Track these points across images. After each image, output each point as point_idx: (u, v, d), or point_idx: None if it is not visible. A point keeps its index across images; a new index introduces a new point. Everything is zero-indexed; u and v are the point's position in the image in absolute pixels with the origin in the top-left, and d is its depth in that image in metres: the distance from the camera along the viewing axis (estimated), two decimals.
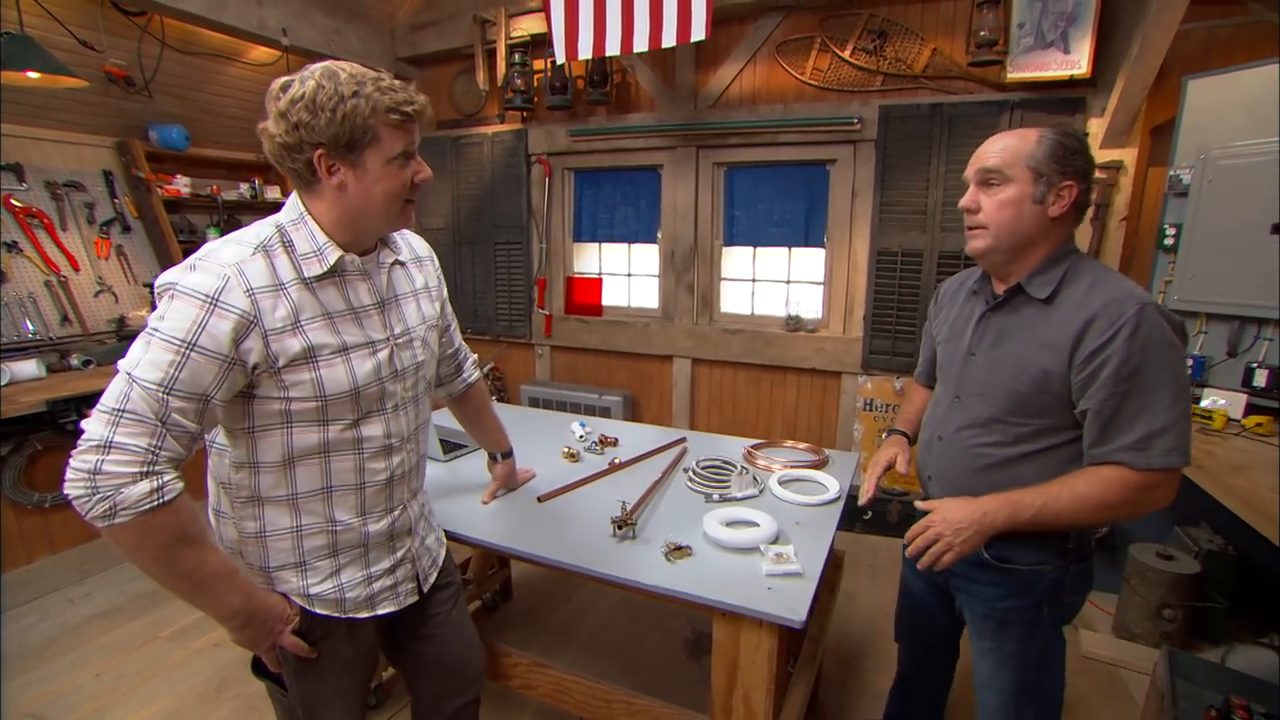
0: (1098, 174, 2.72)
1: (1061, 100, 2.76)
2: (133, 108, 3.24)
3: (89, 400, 2.59)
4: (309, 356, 0.98)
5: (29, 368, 2.71)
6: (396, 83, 1.00)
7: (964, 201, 1.19)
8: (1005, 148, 1.14)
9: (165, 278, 0.92)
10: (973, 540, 1.12)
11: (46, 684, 2.12)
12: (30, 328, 2.88)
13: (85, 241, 3.11)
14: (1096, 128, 2.73)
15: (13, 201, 2.86)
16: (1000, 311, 1.21)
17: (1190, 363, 1.13)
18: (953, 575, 1.29)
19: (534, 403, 4.01)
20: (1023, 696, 1.27)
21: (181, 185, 3.41)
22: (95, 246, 3.14)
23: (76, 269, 3.05)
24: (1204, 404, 2.24)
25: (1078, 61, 2.60)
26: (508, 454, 1.65)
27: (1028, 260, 1.16)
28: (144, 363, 0.87)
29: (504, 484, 1.66)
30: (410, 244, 1.25)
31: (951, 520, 1.13)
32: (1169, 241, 2.41)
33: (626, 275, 4.01)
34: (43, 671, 2.18)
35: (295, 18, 3.38)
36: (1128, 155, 2.71)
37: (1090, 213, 2.78)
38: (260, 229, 1.01)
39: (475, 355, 1.57)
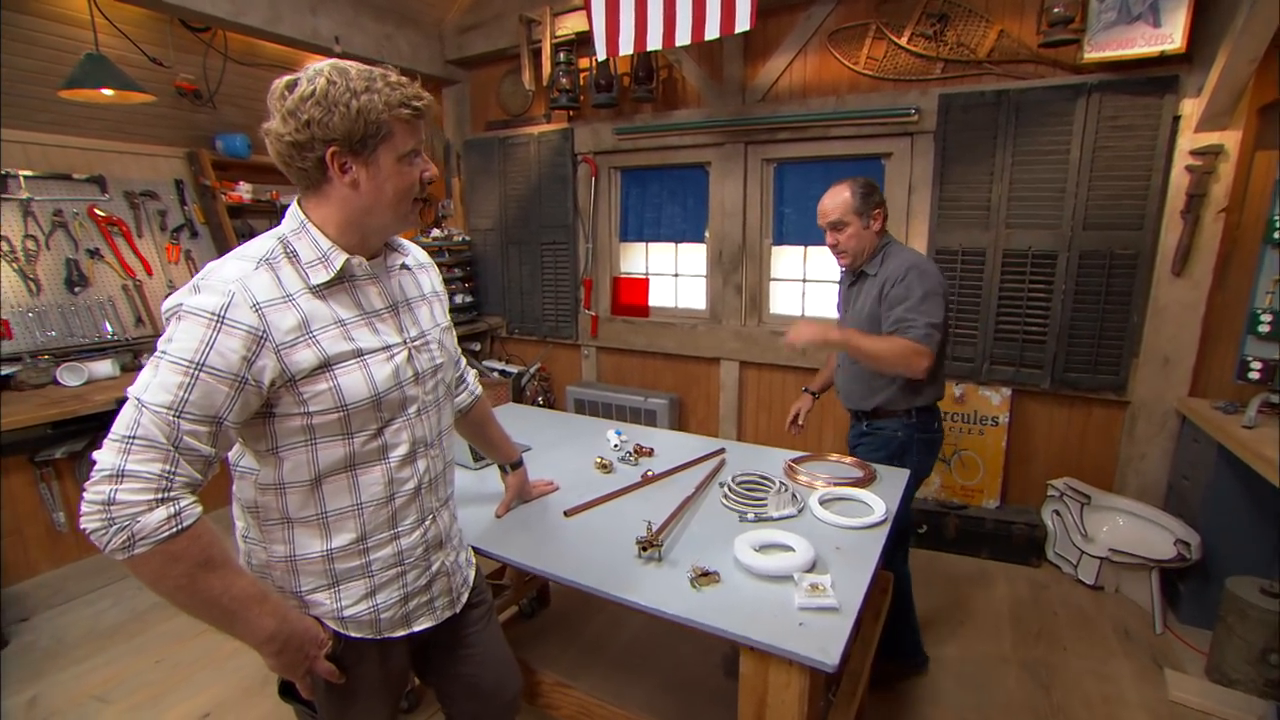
0: (1192, 160, 2.47)
1: (1149, 80, 2.49)
2: (201, 119, 3.41)
3: None
4: (325, 366, 0.95)
5: (105, 367, 2.89)
6: (404, 79, 0.97)
7: (829, 242, 1.97)
8: (838, 205, 1.90)
9: (170, 301, 0.90)
10: (815, 335, 1.79)
11: (111, 667, 2.25)
12: (109, 329, 3.06)
13: (158, 247, 3.29)
14: (1191, 109, 2.45)
15: (96, 211, 3.04)
16: (855, 286, 2.02)
17: (939, 295, 1.84)
18: (856, 444, 2.05)
19: (580, 405, 3.99)
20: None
21: (244, 191, 3.56)
22: (166, 252, 3.32)
23: (150, 273, 3.23)
24: None
25: (1170, 35, 2.34)
26: (517, 464, 1.61)
27: (867, 256, 1.95)
28: (152, 386, 0.85)
29: (517, 495, 1.61)
30: (413, 252, 1.21)
31: (804, 328, 1.82)
32: (1279, 235, 2.13)
33: (673, 275, 3.93)
34: (110, 654, 2.32)
35: (347, 25, 3.47)
36: (1229, 139, 2.42)
37: (1183, 204, 2.51)
38: (262, 242, 0.98)
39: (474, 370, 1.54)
